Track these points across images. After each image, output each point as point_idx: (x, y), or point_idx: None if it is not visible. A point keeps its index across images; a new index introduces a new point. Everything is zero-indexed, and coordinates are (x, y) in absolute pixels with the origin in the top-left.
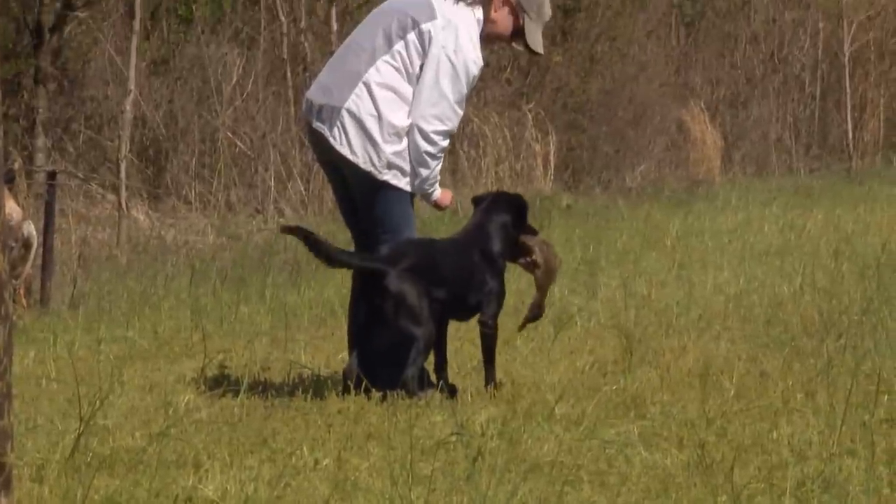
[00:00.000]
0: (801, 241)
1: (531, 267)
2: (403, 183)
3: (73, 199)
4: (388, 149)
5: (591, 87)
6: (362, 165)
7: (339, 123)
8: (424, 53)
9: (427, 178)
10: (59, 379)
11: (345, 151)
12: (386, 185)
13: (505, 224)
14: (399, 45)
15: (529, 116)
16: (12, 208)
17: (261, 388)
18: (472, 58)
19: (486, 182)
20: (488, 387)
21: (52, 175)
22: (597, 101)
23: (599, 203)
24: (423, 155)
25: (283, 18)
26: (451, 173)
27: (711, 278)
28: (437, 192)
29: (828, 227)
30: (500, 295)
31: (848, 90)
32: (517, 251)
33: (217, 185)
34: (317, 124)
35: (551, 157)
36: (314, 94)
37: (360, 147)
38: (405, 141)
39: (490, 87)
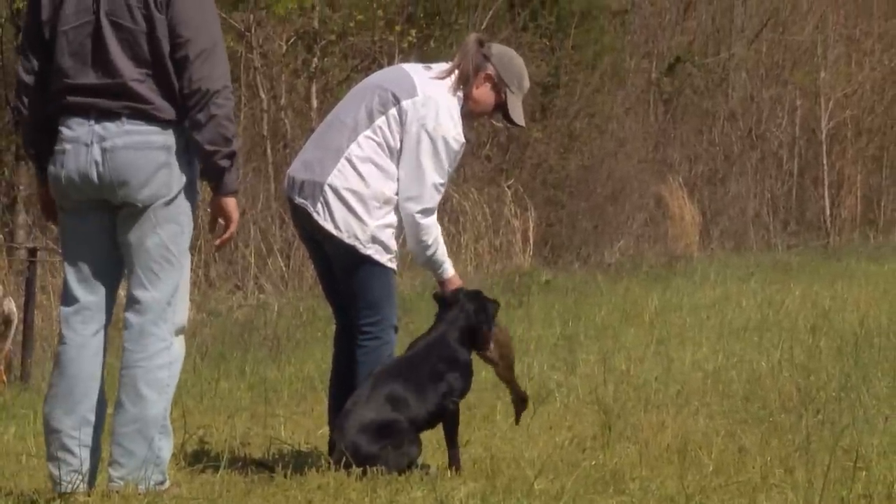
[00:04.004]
0: (779, 316)
1: (489, 362)
2: (386, 259)
3: (54, 276)
4: (372, 223)
5: (570, 164)
6: (346, 240)
7: (322, 199)
8: (404, 129)
9: (430, 255)
10: (39, 455)
11: (328, 226)
12: (368, 261)
13: (464, 329)
14: (380, 121)
15: (509, 192)
16: None
17: (241, 463)
18: (453, 134)
19: (466, 258)
20: (452, 468)
21: (32, 252)
22: (576, 177)
23: (578, 278)
24: (415, 228)
25: (263, 95)
26: None
27: (690, 354)
28: (450, 270)
29: (806, 303)
30: (463, 384)
31: (825, 167)
32: (481, 342)
33: (197, 260)
34: (299, 200)
35: (530, 233)
36: (296, 170)
37: (343, 221)
38: (390, 216)
39: (469, 164)
